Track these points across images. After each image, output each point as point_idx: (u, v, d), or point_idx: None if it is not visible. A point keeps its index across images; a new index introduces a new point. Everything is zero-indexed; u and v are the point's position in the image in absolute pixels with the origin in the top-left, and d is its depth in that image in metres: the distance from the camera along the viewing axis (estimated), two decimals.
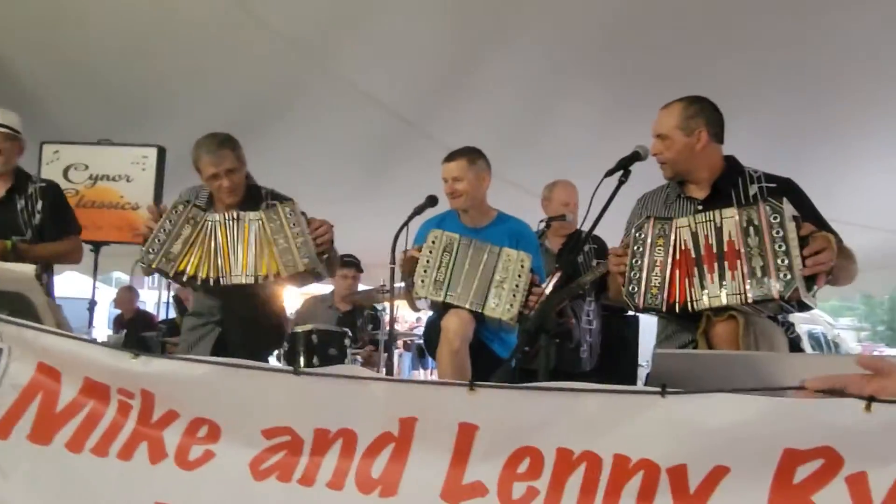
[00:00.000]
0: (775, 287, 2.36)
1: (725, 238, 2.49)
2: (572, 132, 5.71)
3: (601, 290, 4.27)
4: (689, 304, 2.50)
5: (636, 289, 2.56)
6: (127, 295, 8.49)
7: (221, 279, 3.19)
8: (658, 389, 1.50)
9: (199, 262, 3.18)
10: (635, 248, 2.60)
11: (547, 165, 5.58)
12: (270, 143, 5.65)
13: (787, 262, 2.36)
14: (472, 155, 3.57)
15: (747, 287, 2.41)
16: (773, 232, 2.40)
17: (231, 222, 3.22)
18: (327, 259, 3.28)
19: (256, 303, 3.33)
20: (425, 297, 3.33)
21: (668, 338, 2.80)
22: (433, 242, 3.36)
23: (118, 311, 8.59)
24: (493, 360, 3.40)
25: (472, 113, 5.56)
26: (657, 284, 2.53)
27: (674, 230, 2.58)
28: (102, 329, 11.39)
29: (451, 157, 3.56)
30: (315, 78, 5.33)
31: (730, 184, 2.75)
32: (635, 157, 2.60)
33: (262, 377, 1.88)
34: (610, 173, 2.54)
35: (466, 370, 3.25)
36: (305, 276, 3.22)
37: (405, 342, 9.34)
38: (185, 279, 3.19)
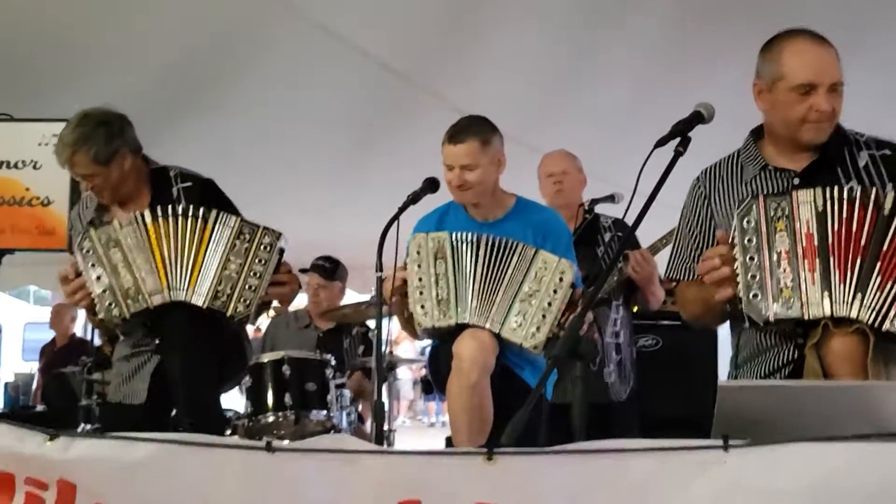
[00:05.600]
0: None
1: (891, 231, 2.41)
2: (621, 85, 5.70)
3: (632, 292, 4.26)
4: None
5: (760, 296, 2.44)
6: (63, 314, 8.30)
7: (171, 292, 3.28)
8: (718, 443, 1.48)
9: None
10: (746, 240, 2.49)
11: (591, 130, 5.56)
12: (220, 110, 5.69)
13: None
14: (484, 133, 3.51)
15: None
16: None
17: (172, 219, 3.30)
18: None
19: (204, 320, 3.36)
20: (432, 327, 3.33)
21: (752, 357, 2.73)
22: (417, 253, 3.36)
23: (52, 337, 8.49)
24: (524, 392, 3.39)
25: (489, 61, 5.56)
26: (788, 284, 2.43)
27: (797, 207, 2.49)
28: (12, 361, 11.40)
29: (455, 138, 3.49)
30: (276, 21, 5.35)
31: (838, 152, 2.70)
32: (697, 119, 2.57)
33: (224, 456, 1.88)
34: (662, 142, 2.52)
35: (487, 411, 3.25)
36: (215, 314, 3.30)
37: (421, 368, 9.31)
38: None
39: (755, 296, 2.46)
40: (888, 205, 2.46)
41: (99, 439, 2.00)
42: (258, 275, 3.29)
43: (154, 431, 3.52)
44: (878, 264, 2.42)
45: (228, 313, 3.26)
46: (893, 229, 2.44)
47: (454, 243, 3.35)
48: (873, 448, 1.48)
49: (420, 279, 3.33)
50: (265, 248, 3.31)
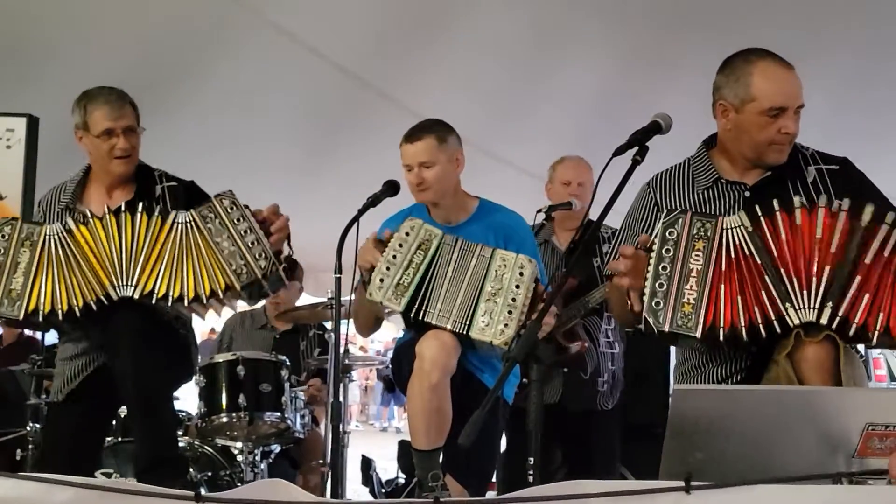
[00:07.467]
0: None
1: (875, 245, 2.46)
2: (580, 93, 5.74)
3: None
4: (775, 322, 2.49)
5: (661, 304, 2.50)
6: None
7: (116, 290, 3.19)
8: (680, 485, 1.50)
9: (59, 288, 3.18)
10: (663, 250, 2.56)
11: (548, 137, 5.61)
12: (177, 110, 5.65)
13: None
14: (440, 131, 3.55)
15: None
16: None
17: (122, 218, 3.23)
18: (286, 259, 3.32)
19: (153, 318, 3.32)
20: (380, 302, 3.34)
21: (701, 367, 2.79)
22: (407, 234, 3.36)
23: None
24: (483, 395, 3.40)
25: (447, 66, 5.58)
26: (691, 301, 2.49)
27: (719, 232, 2.56)
28: None
29: (412, 137, 3.52)
30: (235, 23, 5.33)
31: (789, 167, 2.77)
32: (654, 129, 2.62)
33: None
34: (621, 151, 2.56)
35: (446, 412, 3.28)
36: (251, 290, 3.24)
37: (378, 370, 9.30)
38: (41, 318, 3.18)
39: (657, 304, 2.51)
40: (866, 217, 2.50)
41: (21, 480, 1.93)
42: (248, 231, 3.21)
43: (94, 432, 3.55)
44: (858, 277, 2.45)
45: (260, 275, 3.18)
46: (879, 242, 2.47)
47: (442, 243, 3.36)
48: (843, 490, 1.47)
49: (395, 255, 3.33)
50: (231, 208, 3.23)
